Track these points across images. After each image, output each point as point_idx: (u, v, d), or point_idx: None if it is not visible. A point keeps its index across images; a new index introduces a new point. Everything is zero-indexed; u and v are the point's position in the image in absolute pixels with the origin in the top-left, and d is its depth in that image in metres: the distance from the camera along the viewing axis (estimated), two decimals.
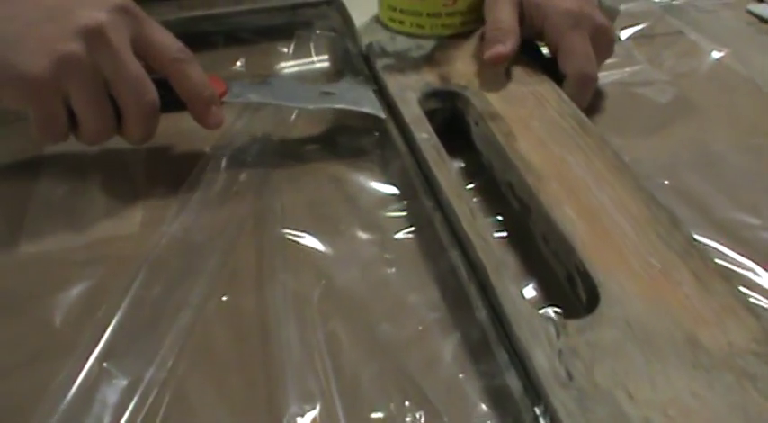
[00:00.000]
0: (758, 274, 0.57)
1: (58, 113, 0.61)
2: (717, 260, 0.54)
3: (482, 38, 0.76)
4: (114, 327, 0.54)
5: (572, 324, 0.48)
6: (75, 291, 0.57)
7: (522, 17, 0.74)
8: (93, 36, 0.59)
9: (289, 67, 0.85)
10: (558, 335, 0.47)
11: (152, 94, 0.63)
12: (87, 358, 0.51)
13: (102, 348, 0.52)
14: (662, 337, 0.47)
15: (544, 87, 0.70)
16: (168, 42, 0.64)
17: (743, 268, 0.58)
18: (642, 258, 0.52)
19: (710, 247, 0.60)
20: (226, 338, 0.53)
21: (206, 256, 0.59)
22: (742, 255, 0.59)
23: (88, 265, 0.59)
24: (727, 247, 0.60)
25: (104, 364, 0.51)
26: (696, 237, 0.56)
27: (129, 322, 0.54)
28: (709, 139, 0.73)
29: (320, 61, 0.87)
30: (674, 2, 0.98)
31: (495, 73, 0.73)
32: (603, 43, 0.73)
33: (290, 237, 0.61)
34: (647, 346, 0.47)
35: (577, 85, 0.72)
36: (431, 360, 0.51)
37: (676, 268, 0.52)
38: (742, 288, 0.51)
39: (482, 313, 0.52)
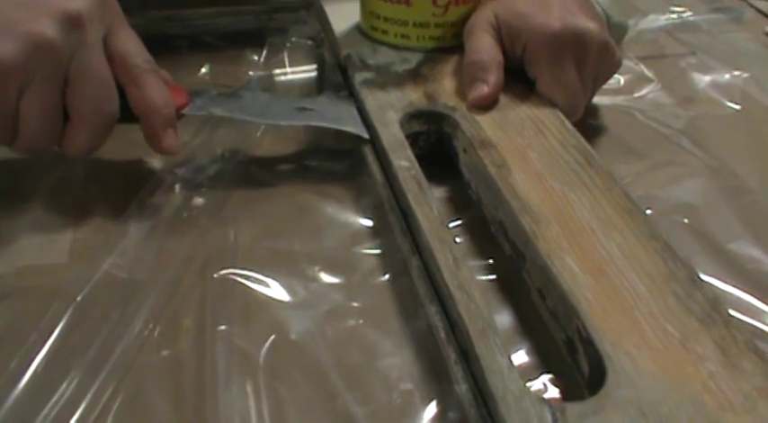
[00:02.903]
0: None
1: (9, 107, 0.51)
2: (744, 317, 0.50)
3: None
4: (27, 381, 0.45)
5: (572, 409, 0.40)
6: None
7: (504, 46, 0.66)
8: (71, 24, 0.51)
9: (259, 76, 0.77)
10: (554, 422, 0.38)
11: (114, 104, 0.55)
12: None
13: (12, 406, 0.44)
14: None
15: (544, 112, 0.62)
16: (135, 49, 0.56)
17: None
18: (658, 325, 0.44)
19: (736, 297, 0.53)
20: (157, 401, 0.45)
21: (143, 298, 0.51)
22: None
23: (4, 298, 0.51)
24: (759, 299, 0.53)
25: None
26: (719, 285, 0.52)
27: (45, 376, 0.46)
28: (731, 171, 0.66)
29: (294, 72, 0.78)
30: (685, 18, 0.90)
31: None
32: (596, 63, 0.64)
33: (241, 278, 0.53)
34: None
35: None
36: None
37: (698, 339, 0.43)
38: None
39: (462, 388, 0.43)
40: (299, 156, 0.66)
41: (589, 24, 0.62)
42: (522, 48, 0.64)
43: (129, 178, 0.62)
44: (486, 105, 0.63)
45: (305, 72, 0.79)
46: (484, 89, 0.62)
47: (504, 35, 0.65)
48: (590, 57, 0.62)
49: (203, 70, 0.78)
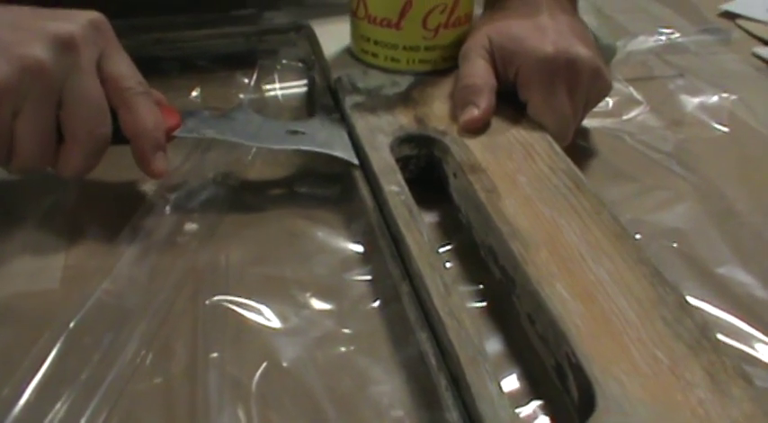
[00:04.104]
0: None
1: (3, 128, 0.52)
2: (733, 341, 0.50)
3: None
4: (20, 408, 0.45)
5: None
6: None
7: (497, 70, 0.66)
8: (64, 47, 0.52)
9: (250, 99, 0.77)
10: None
11: (108, 126, 0.55)
12: None
13: None
14: None
15: (534, 136, 0.62)
16: (127, 72, 0.57)
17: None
18: (647, 350, 0.44)
19: (725, 322, 0.53)
20: None
21: (135, 325, 0.51)
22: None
23: None
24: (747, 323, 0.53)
25: None
26: (708, 309, 0.53)
27: (37, 403, 0.45)
28: (721, 195, 0.66)
29: (285, 94, 0.78)
30: (673, 40, 0.90)
31: None
32: (587, 89, 0.64)
33: (233, 305, 0.52)
34: None
35: None
36: None
37: (687, 365, 0.43)
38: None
39: (453, 415, 0.43)
40: (290, 180, 0.65)
41: (582, 50, 0.62)
42: (514, 71, 0.64)
43: (121, 203, 0.62)
44: (477, 129, 0.63)
45: (296, 94, 0.79)
46: (474, 112, 0.63)
47: (498, 58, 0.65)
48: (582, 82, 0.62)
49: (194, 93, 0.77)
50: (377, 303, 0.53)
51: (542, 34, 0.63)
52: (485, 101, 0.63)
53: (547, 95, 0.63)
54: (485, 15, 0.70)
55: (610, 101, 0.77)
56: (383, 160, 0.59)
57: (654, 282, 0.48)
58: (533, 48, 0.62)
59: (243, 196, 0.63)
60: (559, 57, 0.61)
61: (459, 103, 0.65)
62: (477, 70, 0.65)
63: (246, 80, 0.80)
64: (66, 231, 0.59)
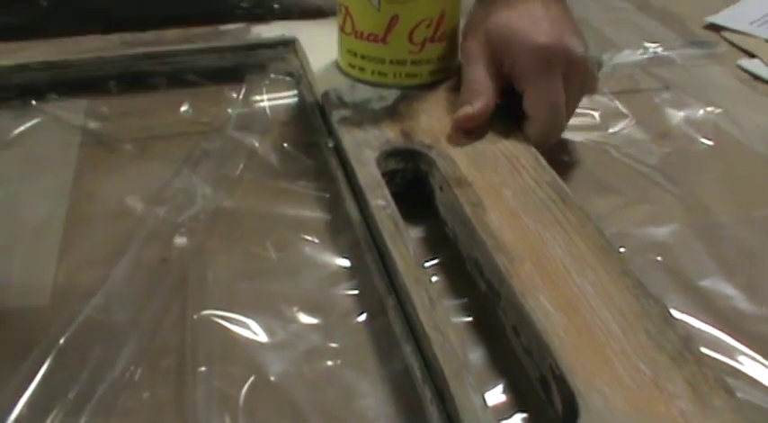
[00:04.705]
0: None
1: None
2: (716, 354, 0.51)
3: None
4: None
5: None
6: None
7: (497, 66, 0.66)
8: None
9: (238, 113, 0.77)
10: None
11: None
12: None
13: None
14: None
15: (519, 148, 0.63)
16: None
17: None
18: (630, 362, 0.45)
19: (708, 334, 0.53)
20: None
21: (124, 340, 0.51)
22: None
23: None
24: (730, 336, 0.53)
25: None
26: (691, 322, 0.53)
27: (28, 419, 0.46)
28: (705, 208, 0.66)
29: (273, 108, 0.78)
30: (660, 53, 0.91)
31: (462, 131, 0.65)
32: (581, 79, 0.65)
33: (220, 319, 0.53)
34: None
35: (539, 135, 0.65)
36: None
37: (669, 376, 0.44)
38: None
39: None
40: (277, 195, 0.66)
41: (577, 41, 0.63)
42: (511, 61, 0.65)
43: (110, 219, 0.62)
44: (470, 127, 0.64)
45: (284, 108, 0.79)
46: (469, 109, 0.64)
47: (495, 51, 0.66)
48: (576, 73, 0.64)
49: (183, 108, 0.78)
50: (363, 317, 0.54)
51: (538, 26, 0.64)
52: (481, 102, 0.64)
53: (543, 83, 0.63)
54: (479, 7, 0.70)
55: (596, 114, 0.77)
56: (369, 175, 0.59)
57: (637, 294, 0.49)
58: (529, 38, 0.63)
59: (230, 212, 0.64)
60: (555, 46, 0.63)
61: (458, 105, 0.66)
62: (479, 74, 0.66)
63: (235, 94, 0.80)
64: (56, 248, 0.59)
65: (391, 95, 0.70)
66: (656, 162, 0.72)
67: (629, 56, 0.90)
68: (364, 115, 0.67)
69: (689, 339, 0.46)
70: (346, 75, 0.74)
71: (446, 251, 0.59)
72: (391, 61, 0.71)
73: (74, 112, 0.77)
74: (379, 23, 0.69)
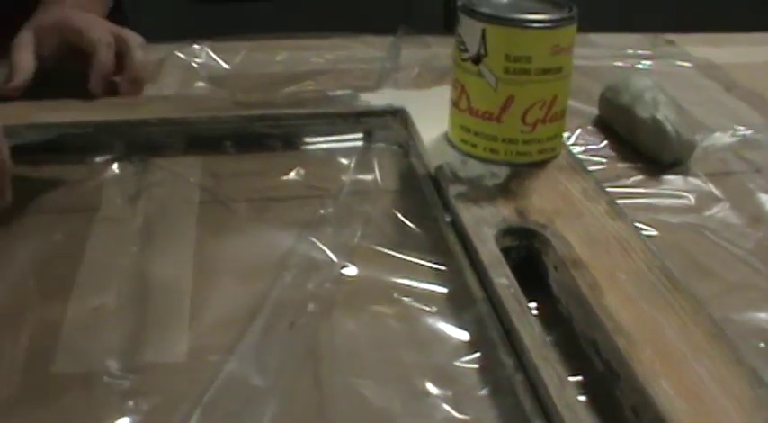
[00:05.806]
0: None
1: None
2: None
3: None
4: None
5: None
6: None
7: None
8: None
9: (351, 180, 0.81)
10: None
11: (4, 151, 0.61)
12: None
13: None
14: None
15: (627, 232, 0.66)
16: None
17: None
18: None
19: None
20: None
21: (264, 401, 0.54)
22: None
23: (132, 396, 0.54)
24: None
25: None
26: None
27: None
28: None
29: (383, 177, 0.82)
30: (749, 136, 0.93)
31: (573, 211, 0.68)
32: None
33: (355, 385, 0.56)
34: None
35: None
36: None
37: None
38: None
39: None
40: (396, 264, 0.69)
41: None
42: None
43: (237, 281, 0.66)
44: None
45: (393, 177, 0.83)
46: None
47: None
48: None
49: (293, 174, 0.82)
50: (485, 391, 0.56)
51: None
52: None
53: None
54: None
55: (691, 197, 0.80)
56: (490, 252, 0.63)
57: (752, 382, 0.52)
58: None
59: (351, 279, 0.67)
60: None
61: None
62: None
63: (345, 161, 0.84)
64: (187, 306, 0.63)
65: (503, 172, 0.74)
66: (752, 246, 0.74)
67: (720, 138, 0.92)
68: (479, 192, 0.71)
69: None
70: (458, 149, 0.78)
71: (559, 330, 0.62)
72: (504, 140, 0.75)
73: (191, 167, 0.82)
74: (494, 103, 0.73)
